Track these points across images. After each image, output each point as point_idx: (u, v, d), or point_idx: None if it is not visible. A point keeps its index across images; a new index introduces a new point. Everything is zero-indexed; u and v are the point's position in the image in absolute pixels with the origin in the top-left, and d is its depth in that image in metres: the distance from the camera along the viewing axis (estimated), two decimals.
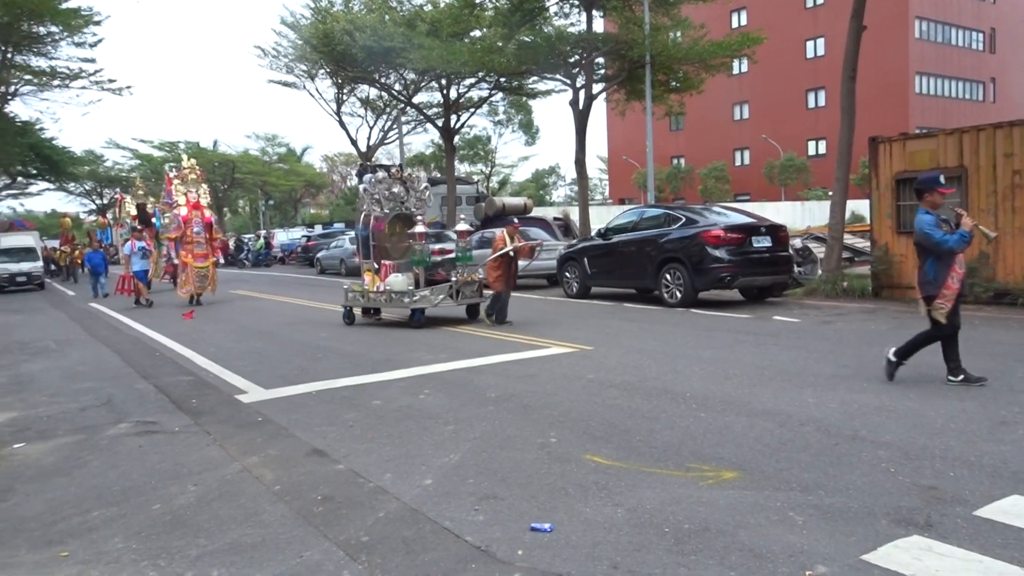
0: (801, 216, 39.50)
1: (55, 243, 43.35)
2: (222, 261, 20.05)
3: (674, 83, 26.90)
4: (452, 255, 18.81)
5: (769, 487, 4.36)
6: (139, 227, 24.55)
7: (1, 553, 4.00)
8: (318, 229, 46.78)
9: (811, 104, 54.26)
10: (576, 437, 5.51)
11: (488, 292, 12.64)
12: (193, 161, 19.38)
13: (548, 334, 10.64)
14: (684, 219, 13.72)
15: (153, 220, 24.95)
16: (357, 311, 13.28)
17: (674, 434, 5.47)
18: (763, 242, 13.22)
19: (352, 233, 25.97)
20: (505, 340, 10.32)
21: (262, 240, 41.91)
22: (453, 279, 12.35)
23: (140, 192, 26.82)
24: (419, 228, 12.56)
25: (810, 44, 53.83)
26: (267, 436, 5.96)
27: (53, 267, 36.55)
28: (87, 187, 65.80)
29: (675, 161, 59.85)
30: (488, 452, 5.26)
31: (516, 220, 12.78)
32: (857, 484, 4.35)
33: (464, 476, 4.78)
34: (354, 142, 39.43)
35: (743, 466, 4.73)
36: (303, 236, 41.56)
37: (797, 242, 16.94)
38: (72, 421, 6.83)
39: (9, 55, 28.14)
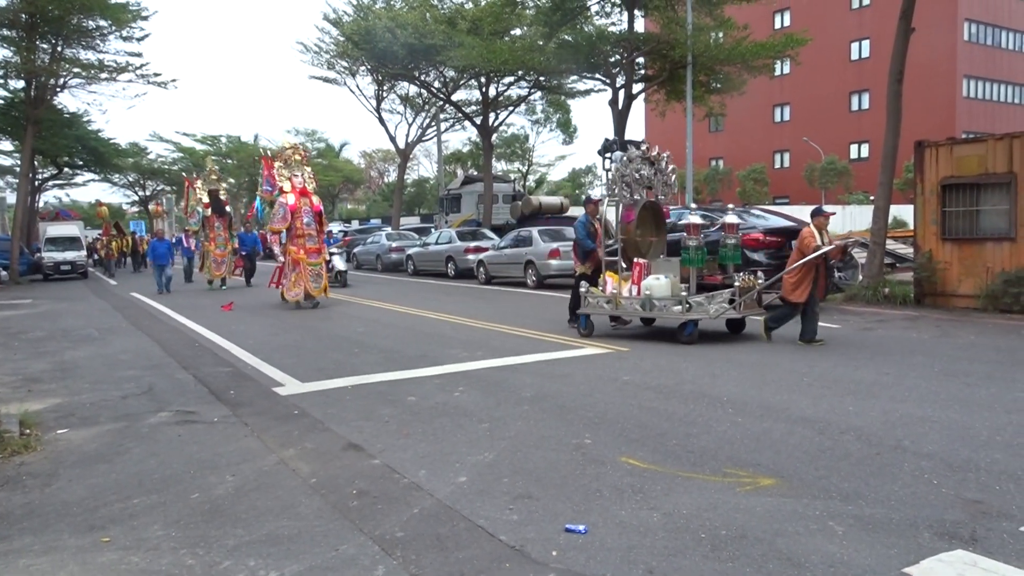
0: (842, 220, 38.81)
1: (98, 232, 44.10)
2: (328, 257, 17.49)
3: (715, 84, 26.67)
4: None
5: (808, 495, 4.29)
6: (211, 215, 22.96)
7: (45, 537, 4.09)
8: (355, 225, 47.18)
9: (854, 107, 53.34)
10: (611, 439, 5.48)
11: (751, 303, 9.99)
12: (296, 140, 16.69)
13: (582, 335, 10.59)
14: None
15: (227, 208, 23.47)
16: (597, 319, 11.13)
17: (711, 439, 5.41)
18: None
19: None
20: (540, 340, 10.31)
21: None
22: (736, 283, 9.79)
23: (213, 177, 23.65)
24: (694, 218, 10.23)
25: (855, 46, 52.92)
26: (304, 429, 6.02)
27: (95, 257, 37.17)
28: (131, 179, 67.06)
29: (713, 162, 59.27)
30: (523, 451, 5.25)
31: (825, 209, 10.00)
32: (899, 495, 4.26)
33: (498, 475, 4.78)
34: (393, 139, 39.71)
35: (781, 473, 4.67)
36: (340, 231, 41.95)
37: None
38: (114, 409, 6.97)
39: (59, 48, 28.71)
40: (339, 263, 21.00)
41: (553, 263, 18.55)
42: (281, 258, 15.90)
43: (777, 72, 43.66)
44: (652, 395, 6.80)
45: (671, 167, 10.90)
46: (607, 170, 10.77)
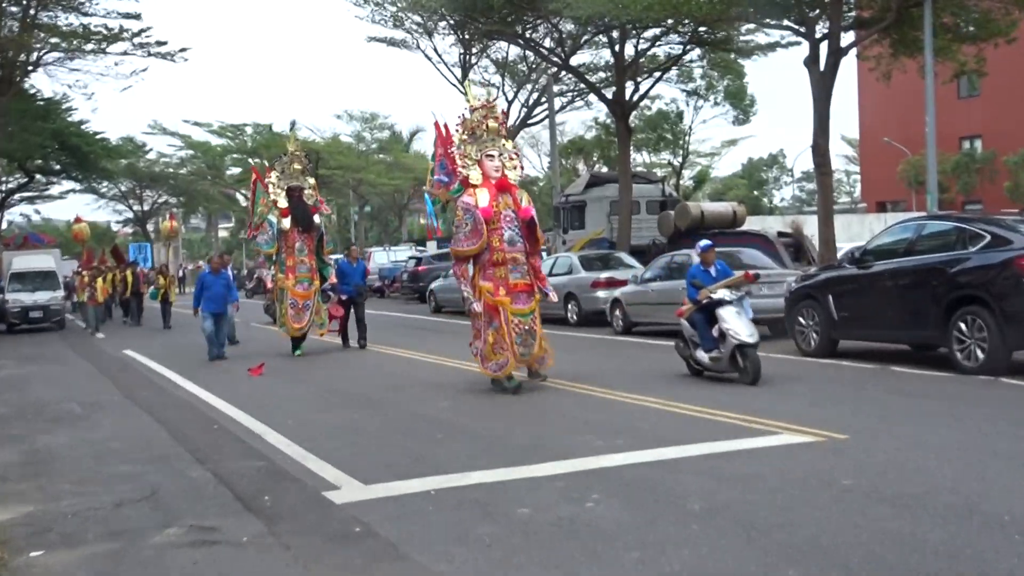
0: None
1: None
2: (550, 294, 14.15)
3: (967, 27, 25.95)
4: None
5: None
6: (289, 229, 19.76)
7: None
8: (431, 248, 48.06)
9: None
10: None
11: None
12: (484, 95, 14.50)
13: (776, 412, 10.37)
14: (988, 237, 13.10)
15: (316, 218, 20.54)
16: None
17: None
18: None
19: None
20: (711, 420, 10.14)
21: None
22: None
23: (296, 167, 20.64)
24: None
25: None
26: (369, 557, 6.10)
27: (74, 299, 37.13)
28: (123, 188, 70.51)
29: (967, 144, 57.47)
30: None
31: None
32: None
33: None
34: None
35: None
36: (410, 258, 42.83)
37: None
38: (105, 522, 7.24)
39: (32, 12, 30.51)
40: (740, 328, 12.71)
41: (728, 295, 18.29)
42: (475, 305, 13.13)
43: None
44: (890, 510, 6.56)
45: None
46: None
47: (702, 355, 13.27)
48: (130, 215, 77.57)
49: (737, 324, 12.68)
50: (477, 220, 12.94)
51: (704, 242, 13.92)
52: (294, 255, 19.75)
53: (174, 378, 16.17)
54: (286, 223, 19.77)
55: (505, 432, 9.99)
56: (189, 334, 24.63)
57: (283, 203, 19.95)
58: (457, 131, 13.73)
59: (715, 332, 12.99)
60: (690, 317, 13.46)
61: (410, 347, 19.46)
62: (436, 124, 14.73)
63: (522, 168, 14.44)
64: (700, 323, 13.26)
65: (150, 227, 77.14)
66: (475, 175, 13.26)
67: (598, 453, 8.69)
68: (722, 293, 13.01)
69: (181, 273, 60.78)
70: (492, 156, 13.37)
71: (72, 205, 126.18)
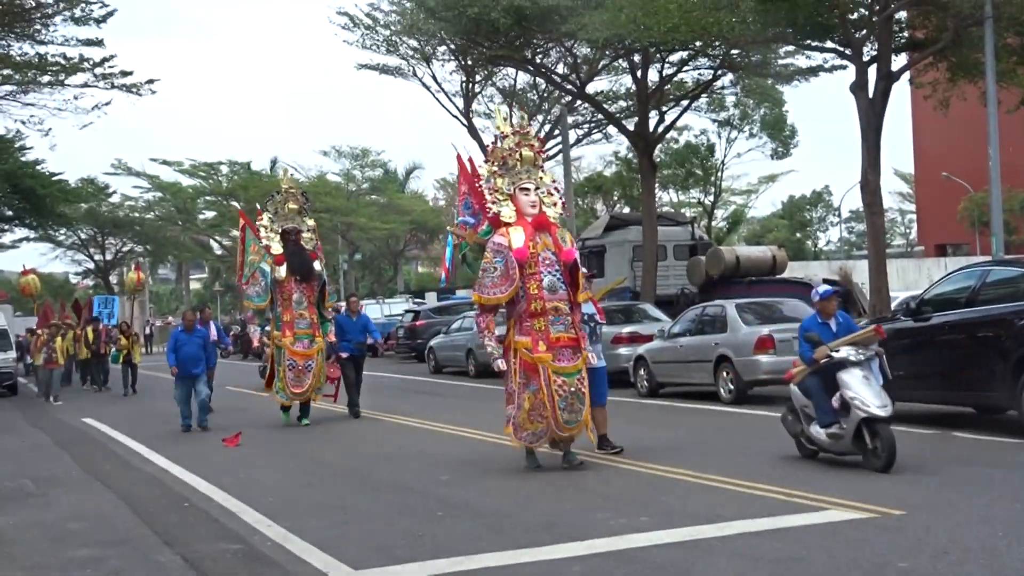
0: None
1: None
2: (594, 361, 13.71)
3: None
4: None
5: None
6: (286, 279, 19.06)
7: None
8: (431, 300, 48.03)
9: None
10: None
11: None
12: (519, 119, 14.01)
13: (822, 484, 10.37)
14: None
15: (317, 265, 19.96)
16: None
17: None
18: None
19: None
20: (748, 494, 10.12)
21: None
22: None
23: (291, 207, 20.11)
24: None
25: None
26: None
27: (27, 361, 36.86)
28: (83, 235, 70.43)
29: None
30: None
31: None
32: None
33: None
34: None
35: None
36: (407, 312, 42.78)
37: None
38: None
39: None
40: (869, 397, 11.22)
41: (764, 360, 18.23)
42: (499, 362, 12.56)
43: None
44: None
45: None
46: None
47: (818, 431, 11.82)
48: (91, 266, 77.39)
49: (865, 392, 11.27)
50: (509, 263, 12.24)
51: (824, 287, 13.24)
52: (291, 308, 19.12)
53: (139, 450, 16.14)
54: (281, 272, 19.14)
55: (514, 509, 9.95)
56: (155, 400, 24.75)
57: (277, 249, 19.32)
58: (486, 162, 13.34)
59: (835, 402, 11.57)
60: (803, 383, 12.12)
61: (406, 413, 19.41)
62: (459, 157, 14.65)
63: (564, 204, 13.93)
64: (816, 390, 11.83)
65: (113, 279, 77.09)
66: (507, 212, 12.68)
67: (620, 532, 8.65)
68: (846, 352, 11.55)
69: (148, 331, 60.81)
70: (527, 190, 12.78)
71: (25, 255, 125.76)
